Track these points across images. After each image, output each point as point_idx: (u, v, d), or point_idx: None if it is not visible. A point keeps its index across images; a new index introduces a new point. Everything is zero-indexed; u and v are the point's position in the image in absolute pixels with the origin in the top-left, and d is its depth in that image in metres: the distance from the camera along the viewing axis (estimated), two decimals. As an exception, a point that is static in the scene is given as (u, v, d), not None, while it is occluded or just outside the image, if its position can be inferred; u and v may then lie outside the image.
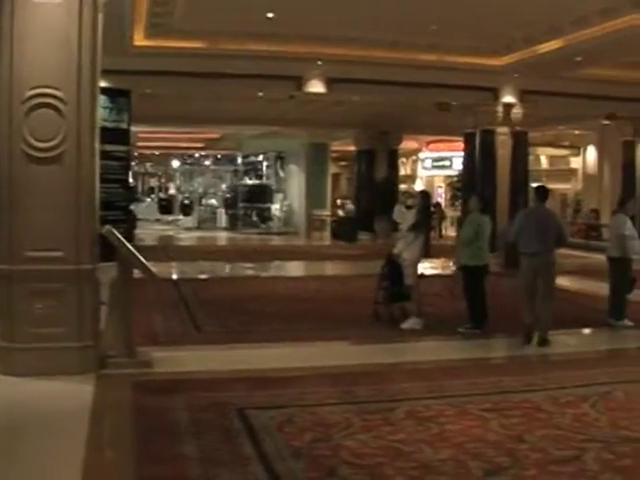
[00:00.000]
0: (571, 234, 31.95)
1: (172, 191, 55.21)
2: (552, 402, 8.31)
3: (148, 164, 56.33)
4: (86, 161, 9.20)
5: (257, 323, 13.38)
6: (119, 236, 9.58)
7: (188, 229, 42.67)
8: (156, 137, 40.10)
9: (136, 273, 9.92)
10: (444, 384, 9.12)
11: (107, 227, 9.58)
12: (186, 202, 48.31)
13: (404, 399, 8.38)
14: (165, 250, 28.12)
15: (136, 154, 45.27)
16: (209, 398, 8.23)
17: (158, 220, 48.36)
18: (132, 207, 30.76)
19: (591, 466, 6.38)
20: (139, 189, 57.15)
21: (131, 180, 36.47)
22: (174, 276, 20.40)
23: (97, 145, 9.48)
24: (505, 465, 6.40)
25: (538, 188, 13.09)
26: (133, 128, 23.26)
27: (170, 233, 39.84)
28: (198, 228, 43.28)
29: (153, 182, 61.03)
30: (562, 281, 16.01)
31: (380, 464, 6.39)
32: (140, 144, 40.44)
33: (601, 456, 6.61)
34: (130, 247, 9.73)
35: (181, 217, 47.15)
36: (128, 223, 22.67)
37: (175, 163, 52.91)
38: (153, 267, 10.35)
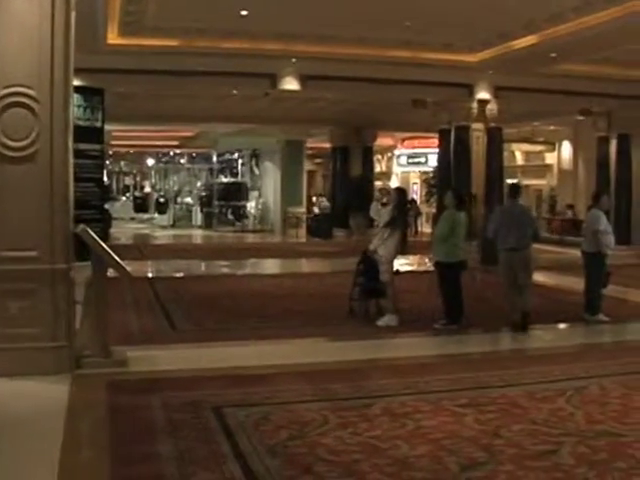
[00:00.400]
0: (550, 230, 32.13)
1: (147, 189, 55.00)
2: (528, 397, 8.34)
3: (123, 162, 55.99)
4: (60, 160, 9.13)
5: (233, 321, 13.37)
6: (93, 235, 9.53)
7: (163, 227, 42.60)
8: (130, 135, 39.91)
9: (111, 272, 9.88)
10: (420, 380, 9.13)
11: (81, 226, 9.52)
12: (161, 200, 48.16)
13: (380, 395, 8.39)
14: (141, 248, 28.03)
15: (110, 152, 45.04)
16: (185, 397, 8.20)
17: (133, 219, 48.24)
18: (107, 206, 30.67)
19: (567, 460, 6.41)
20: (114, 188, 56.85)
21: (106, 179, 36.34)
22: (149, 275, 20.31)
23: (71, 144, 9.42)
24: (481, 460, 6.42)
25: (512, 186, 13.72)
26: (107, 126, 23.22)
27: (145, 231, 39.71)
28: (173, 226, 43.21)
29: (128, 180, 60.68)
30: (539, 277, 16.08)
31: (356, 461, 6.39)
32: (114, 142, 40.20)
33: (577, 450, 6.64)
34: (104, 246, 9.68)
35: (156, 215, 47.03)
36: (103, 222, 22.60)
37: (150, 161, 52.68)
38: (128, 266, 10.32)
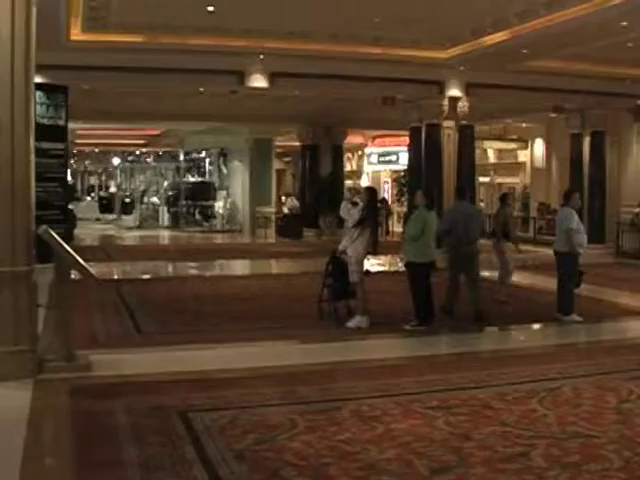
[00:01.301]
0: (524, 229, 32.09)
1: (113, 189, 54.80)
2: (500, 399, 8.29)
3: (87, 162, 55.77)
4: (21, 159, 8.99)
5: (200, 324, 13.24)
6: (55, 236, 9.36)
7: (129, 228, 42.26)
8: (95, 134, 39.76)
9: (75, 274, 9.72)
10: (390, 382, 9.05)
11: (43, 227, 9.35)
12: (127, 200, 47.89)
13: (349, 398, 8.30)
14: (107, 250, 27.80)
15: (75, 151, 44.79)
16: (150, 401, 8.08)
17: (99, 219, 47.94)
18: (71, 206, 30.44)
19: (538, 463, 6.37)
20: (78, 187, 56.61)
21: (70, 178, 36.10)
22: (115, 276, 20.10)
23: (33, 143, 9.30)
24: (452, 464, 6.36)
25: (458, 187, 16.09)
26: (71, 125, 23.05)
27: (111, 232, 39.44)
28: (140, 227, 42.85)
29: (93, 180, 60.51)
30: (513, 276, 16.00)
31: (325, 465, 6.31)
32: (79, 141, 40.04)
33: (548, 452, 6.60)
34: (67, 247, 9.51)
35: (122, 216, 46.74)
36: (67, 223, 22.36)
37: (116, 160, 52.47)
38: (93, 268, 10.16)
